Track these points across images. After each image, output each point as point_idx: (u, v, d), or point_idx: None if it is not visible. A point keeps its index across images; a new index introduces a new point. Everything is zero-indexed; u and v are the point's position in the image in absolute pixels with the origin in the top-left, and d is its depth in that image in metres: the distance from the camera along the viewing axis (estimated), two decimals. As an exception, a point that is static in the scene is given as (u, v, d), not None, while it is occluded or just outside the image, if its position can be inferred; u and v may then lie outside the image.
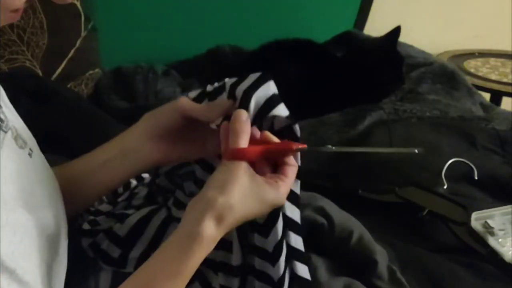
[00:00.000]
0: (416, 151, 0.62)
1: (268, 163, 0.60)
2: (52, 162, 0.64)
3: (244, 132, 0.57)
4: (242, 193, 0.55)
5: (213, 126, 0.65)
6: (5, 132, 0.53)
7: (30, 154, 0.57)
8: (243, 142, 0.57)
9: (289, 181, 0.59)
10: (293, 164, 0.60)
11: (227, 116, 0.60)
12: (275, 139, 0.60)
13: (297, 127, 0.62)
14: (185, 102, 0.64)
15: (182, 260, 0.52)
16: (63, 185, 0.63)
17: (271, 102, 0.60)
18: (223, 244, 0.63)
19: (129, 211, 0.75)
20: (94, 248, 0.73)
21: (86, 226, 0.75)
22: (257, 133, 0.60)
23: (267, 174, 0.59)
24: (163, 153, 0.66)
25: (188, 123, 0.64)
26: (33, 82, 1.21)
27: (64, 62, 1.36)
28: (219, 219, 0.53)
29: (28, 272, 0.48)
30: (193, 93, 0.67)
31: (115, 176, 0.68)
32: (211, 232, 0.53)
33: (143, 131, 0.66)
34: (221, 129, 0.60)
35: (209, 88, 0.66)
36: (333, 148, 0.64)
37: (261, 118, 0.60)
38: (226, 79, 0.65)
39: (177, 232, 0.54)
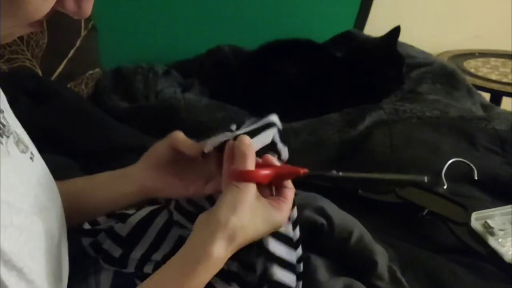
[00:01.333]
0: (426, 179, 0.64)
1: (269, 187, 0.61)
2: (51, 162, 0.64)
3: (251, 155, 0.59)
4: (252, 214, 0.56)
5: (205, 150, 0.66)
6: (7, 137, 0.53)
7: (31, 158, 0.58)
8: (251, 164, 0.58)
9: (289, 203, 0.61)
10: (291, 188, 0.62)
11: (219, 149, 0.62)
12: (276, 162, 0.62)
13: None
14: (179, 135, 0.67)
15: (187, 278, 0.53)
16: (63, 201, 0.64)
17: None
18: (238, 258, 0.63)
19: (130, 211, 0.75)
20: (95, 248, 0.73)
21: (86, 225, 0.75)
22: (258, 159, 0.61)
23: (268, 197, 0.60)
24: (156, 182, 0.68)
25: (180, 158, 0.68)
26: (33, 82, 1.21)
27: (64, 62, 1.36)
28: (230, 240, 0.54)
29: (33, 271, 0.49)
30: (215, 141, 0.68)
31: (113, 196, 0.70)
32: (220, 253, 0.54)
33: (143, 159, 0.70)
34: (224, 153, 0.61)
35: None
36: (340, 173, 0.65)
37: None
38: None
39: (185, 248, 0.55)
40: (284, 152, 0.65)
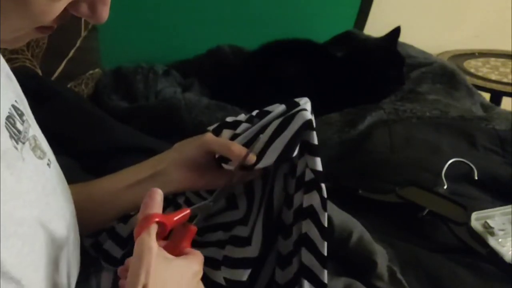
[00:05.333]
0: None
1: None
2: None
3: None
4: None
5: (228, 167, 0.67)
6: (23, 143, 0.52)
7: (48, 165, 0.56)
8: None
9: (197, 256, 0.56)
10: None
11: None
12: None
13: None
14: (210, 138, 0.67)
15: None
16: (85, 203, 0.64)
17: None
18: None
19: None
20: (96, 248, 0.73)
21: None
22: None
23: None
24: (191, 182, 0.69)
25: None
26: (33, 82, 1.21)
27: (64, 62, 1.36)
28: None
29: (33, 283, 0.48)
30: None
31: (141, 198, 0.69)
32: None
33: (173, 160, 0.69)
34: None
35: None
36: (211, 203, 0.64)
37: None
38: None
39: None
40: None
